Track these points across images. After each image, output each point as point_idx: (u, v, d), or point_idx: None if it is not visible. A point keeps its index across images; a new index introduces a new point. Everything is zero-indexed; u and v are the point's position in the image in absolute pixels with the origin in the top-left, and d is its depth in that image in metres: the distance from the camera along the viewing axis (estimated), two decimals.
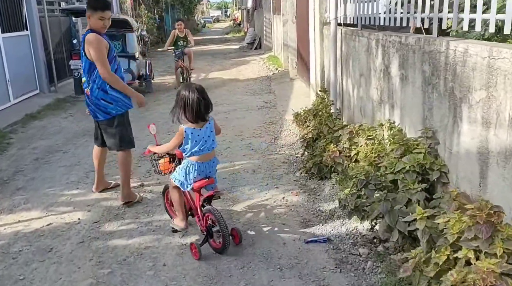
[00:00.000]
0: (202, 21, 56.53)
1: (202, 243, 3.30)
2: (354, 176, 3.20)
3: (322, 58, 6.30)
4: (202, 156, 3.27)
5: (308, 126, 5.60)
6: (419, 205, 2.80)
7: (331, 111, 5.31)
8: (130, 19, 10.91)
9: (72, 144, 6.41)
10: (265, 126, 6.90)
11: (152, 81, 10.77)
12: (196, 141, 3.21)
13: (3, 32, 8.60)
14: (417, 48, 3.25)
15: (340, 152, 4.26)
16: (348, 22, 5.22)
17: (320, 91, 6.07)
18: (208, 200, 3.35)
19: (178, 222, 3.54)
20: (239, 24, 41.21)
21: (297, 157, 5.31)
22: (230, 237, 3.25)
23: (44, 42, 10.20)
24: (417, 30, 4.05)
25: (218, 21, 71.83)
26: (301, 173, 4.76)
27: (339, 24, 5.39)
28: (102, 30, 4.06)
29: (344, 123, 4.85)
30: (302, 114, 5.70)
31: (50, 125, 7.50)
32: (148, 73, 10.36)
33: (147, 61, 10.58)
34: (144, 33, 16.77)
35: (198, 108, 3.14)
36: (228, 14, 76.49)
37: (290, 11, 10.63)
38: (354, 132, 4.12)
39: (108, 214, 4.08)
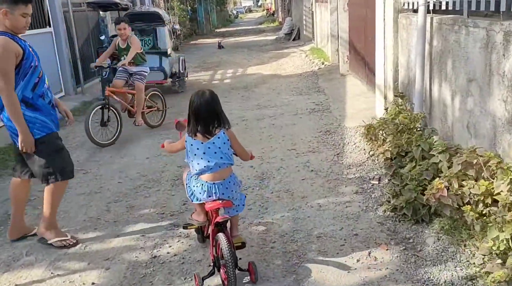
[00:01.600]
0: (235, 12, 55.29)
1: (206, 276, 2.80)
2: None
3: (396, 55, 5.05)
4: (210, 175, 2.80)
5: (384, 141, 4.41)
6: None
7: (418, 125, 4.07)
8: (161, 12, 9.91)
9: (95, 161, 5.43)
10: (322, 136, 5.73)
11: (186, 79, 9.75)
12: (196, 155, 2.80)
13: None
14: None
15: (447, 189, 3.06)
16: (442, 8, 3.97)
17: (395, 95, 4.84)
18: (221, 225, 2.80)
19: (196, 216, 3.10)
20: (273, 14, 39.87)
21: (373, 184, 4.12)
22: (236, 271, 2.66)
23: (70, 40, 9.32)
24: None
25: (250, 11, 70.33)
26: (384, 211, 3.58)
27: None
28: (23, 31, 3.21)
29: (439, 143, 3.61)
30: (376, 126, 4.49)
31: (73, 135, 6.55)
32: (182, 71, 9.34)
33: (180, 58, 9.55)
34: (177, 26, 15.79)
35: (196, 119, 2.76)
36: (259, 4, 74.86)
37: None
38: (483, 166, 2.87)
39: (131, 275, 3.03)
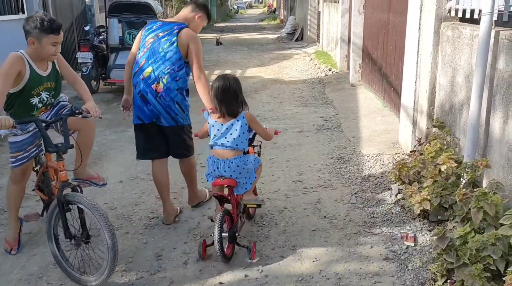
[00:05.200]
0: (235, 7, 53.99)
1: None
2: None
3: (434, 73, 4.07)
4: (215, 150, 3.00)
5: (419, 184, 3.44)
6: None
7: (474, 173, 3.08)
8: (153, 3, 8.87)
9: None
10: (334, 164, 4.74)
11: None
12: (215, 135, 2.99)
13: None
14: None
15: None
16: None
17: (434, 126, 3.87)
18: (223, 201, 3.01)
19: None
20: (274, 11, 38.78)
21: (407, 247, 3.15)
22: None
23: None
24: None
25: (251, 7, 69.02)
26: None
27: (471, 21, 3.15)
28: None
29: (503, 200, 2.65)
30: (410, 166, 3.52)
31: None
32: None
33: None
34: None
35: (219, 99, 2.90)
36: (260, 0, 73.62)
37: None
38: None
39: None
